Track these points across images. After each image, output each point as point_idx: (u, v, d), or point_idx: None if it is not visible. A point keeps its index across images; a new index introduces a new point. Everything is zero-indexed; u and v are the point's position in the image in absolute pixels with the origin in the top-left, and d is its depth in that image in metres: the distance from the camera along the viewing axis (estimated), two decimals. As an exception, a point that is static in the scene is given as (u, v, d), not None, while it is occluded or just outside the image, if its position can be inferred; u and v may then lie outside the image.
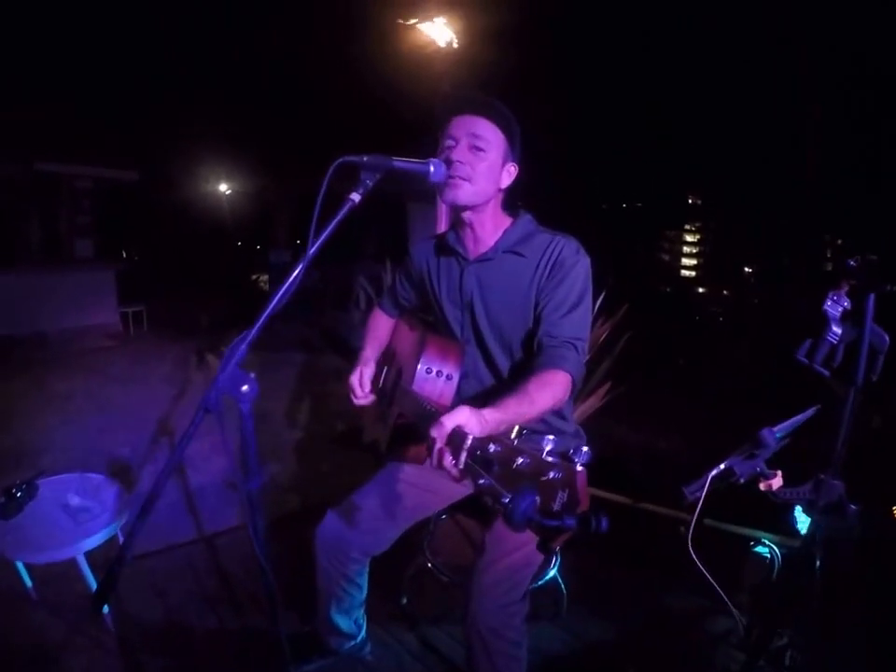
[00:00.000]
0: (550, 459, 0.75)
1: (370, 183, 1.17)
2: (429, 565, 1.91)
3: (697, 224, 56.27)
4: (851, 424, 1.26)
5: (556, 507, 0.72)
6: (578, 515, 0.71)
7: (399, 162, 1.23)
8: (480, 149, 1.42)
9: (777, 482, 1.35)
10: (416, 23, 4.67)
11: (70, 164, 8.98)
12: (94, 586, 2.16)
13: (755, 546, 2.20)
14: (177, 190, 14.42)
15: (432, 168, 1.32)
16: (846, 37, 10.39)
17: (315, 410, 4.82)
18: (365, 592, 1.81)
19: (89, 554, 2.12)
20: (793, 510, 1.95)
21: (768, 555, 2.13)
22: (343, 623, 1.81)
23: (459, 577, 1.76)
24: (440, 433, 0.97)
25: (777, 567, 2.08)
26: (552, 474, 0.74)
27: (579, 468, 0.73)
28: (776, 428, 1.35)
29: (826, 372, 1.25)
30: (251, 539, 1.13)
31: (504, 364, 1.58)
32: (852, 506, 1.31)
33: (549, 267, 1.46)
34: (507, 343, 1.55)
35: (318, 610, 1.81)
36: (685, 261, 58.76)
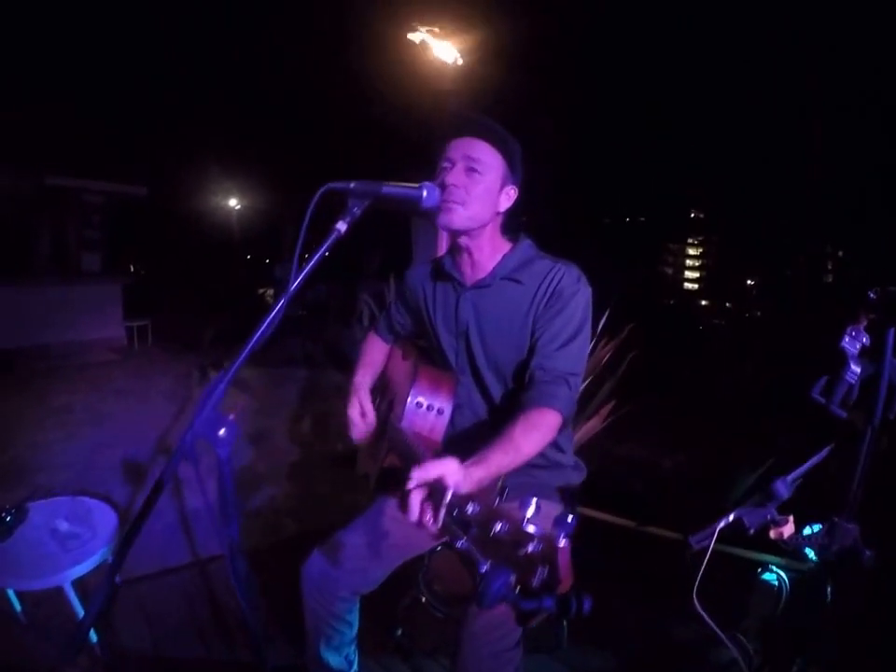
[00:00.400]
0: (530, 530, 0.69)
1: (357, 211, 1.13)
2: (423, 599, 1.86)
3: (700, 238, 56.48)
4: (868, 464, 1.20)
5: (535, 583, 0.66)
6: (557, 596, 0.66)
7: (389, 188, 1.18)
8: (476, 172, 1.38)
9: (788, 528, 1.28)
10: (422, 40, 4.67)
11: (80, 179, 9.04)
12: (82, 613, 2.13)
13: (762, 573, 2.14)
14: (186, 205, 14.55)
15: (425, 193, 1.27)
16: (847, 52, 10.41)
17: (315, 428, 4.78)
18: (356, 628, 1.73)
19: (79, 578, 2.07)
20: (801, 529, 1.90)
21: (776, 583, 2.07)
22: (334, 660, 1.73)
23: (455, 610, 1.71)
24: (420, 476, 0.92)
25: (785, 594, 2.02)
26: (531, 547, 0.68)
27: (561, 543, 0.67)
28: (789, 478, 1.28)
29: (843, 414, 1.19)
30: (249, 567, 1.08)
31: (499, 394, 1.53)
32: (867, 552, 1.24)
33: (547, 295, 1.42)
34: (502, 372, 1.51)
35: (307, 648, 1.73)
36: (688, 274, 58.93)
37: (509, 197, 1.46)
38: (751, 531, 1.27)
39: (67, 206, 9.35)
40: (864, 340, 1.21)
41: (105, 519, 2.33)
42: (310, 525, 3.11)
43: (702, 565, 1.33)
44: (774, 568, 2.06)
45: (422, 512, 0.90)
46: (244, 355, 1.04)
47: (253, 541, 2.89)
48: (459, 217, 1.38)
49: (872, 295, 1.18)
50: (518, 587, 0.68)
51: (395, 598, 2.11)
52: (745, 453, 3.32)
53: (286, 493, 3.60)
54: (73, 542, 2.15)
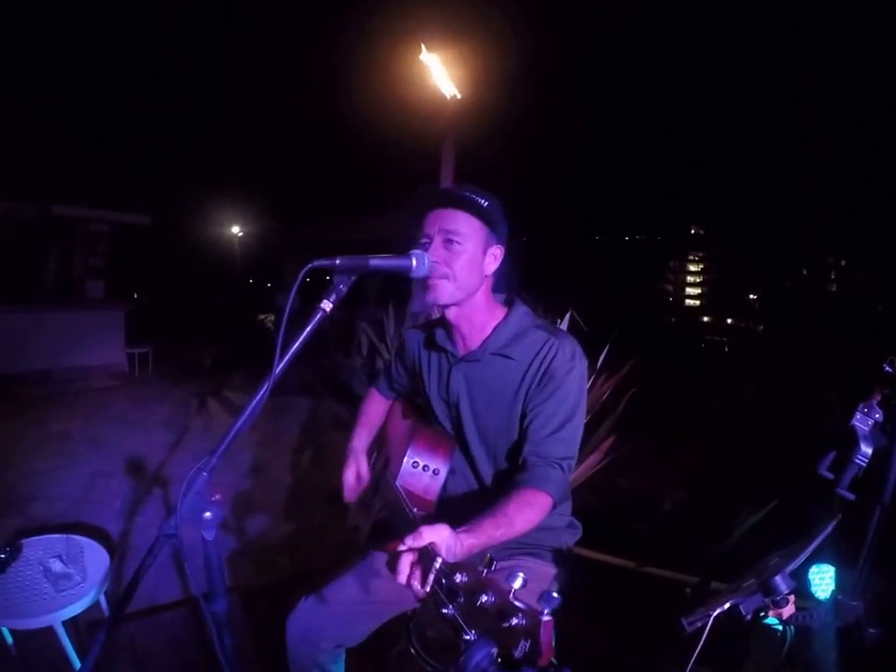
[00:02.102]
0: (516, 603, 0.70)
1: (343, 288, 1.11)
2: (412, 650, 1.86)
3: (700, 254, 56.53)
4: (875, 544, 1.16)
5: (518, 655, 0.68)
6: (538, 668, 0.67)
7: (377, 261, 1.16)
8: (455, 243, 1.35)
9: (788, 609, 1.22)
10: (421, 74, 4.75)
11: (86, 208, 9.15)
12: (71, 651, 2.14)
13: (765, 616, 2.11)
14: (189, 233, 14.70)
15: (414, 262, 1.26)
16: (846, 63, 10.49)
17: (312, 461, 4.78)
18: None
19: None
20: (807, 572, 1.88)
21: (780, 627, 2.04)
22: None
23: (445, 665, 1.70)
24: (413, 543, 0.93)
25: (788, 639, 1.99)
26: (514, 620, 0.69)
27: (545, 617, 0.68)
28: (789, 568, 1.20)
29: (852, 497, 1.15)
30: (239, 607, 1.09)
31: (487, 470, 1.51)
32: (871, 629, 1.18)
33: (540, 374, 1.39)
34: (491, 448, 1.49)
35: None
36: (689, 291, 58.92)
37: (495, 258, 1.43)
38: (748, 618, 1.22)
39: (73, 235, 9.47)
40: (877, 416, 1.15)
41: (97, 560, 2.34)
42: (303, 563, 3.07)
43: (696, 647, 1.25)
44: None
45: (411, 576, 0.91)
46: (229, 438, 1.03)
47: (245, 579, 2.88)
48: (445, 291, 1.37)
49: (887, 368, 1.14)
50: (500, 658, 0.69)
51: (385, 648, 2.10)
52: (748, 487, 3.31)
53: (280, 528, 3.58)
54: (65, 583, 2.17)
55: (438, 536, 0.95)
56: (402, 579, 0.92)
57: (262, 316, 14.62)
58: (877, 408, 1.15)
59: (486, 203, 1.37)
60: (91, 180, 9.33)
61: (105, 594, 2.34)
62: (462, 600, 0.77)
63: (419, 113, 5.04)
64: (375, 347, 5.80)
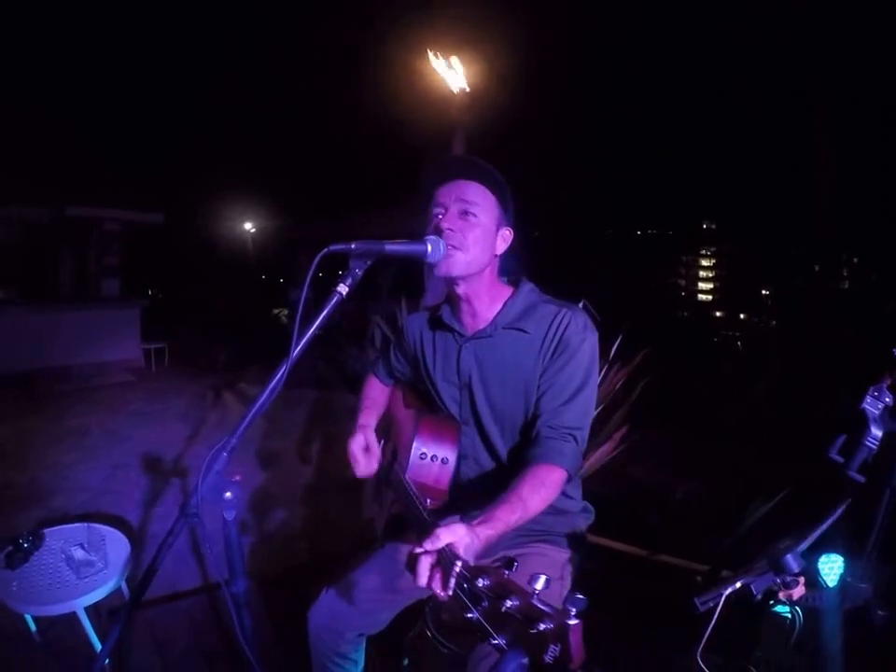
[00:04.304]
0: (542, 607, 0.69)
1: (359, 272, 1.11)
2: (429, 633, 1.88)
3: (712, 249, 56.13)
4: (884, 525, 1.17)
5: (548, 660, 0.66)
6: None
7: (392, 246, 1.15)
8: (471, 214, 1.32)
9: (798, 591, 1.24)
10: (432, 69, 4.76)
11: (99, 208, 9.26)
12: (93, 636, 2.18)
13: (775, 605, 2.11)
14: (202, 230, 14.76)
15: (429, 247, 1.25)
16: (859, 61, 10.39)
17: (327, 451, 4.80)
18: (361, 666, 1.70)
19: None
20: (817, 560, 1.88)
21: (789, 615, 2.04)
22: None
23: (461, 647, 1.71)
24: (431, 546, 0.90)
25: (798, 627, 1.99)
26: (542, 626, 0.67)
27: (572, 621, 0.66)
28: (800, 547, 1.22)
29: (861, 479, 1.15)
30: (257, 593, 1.10)
31: (503, 447, 1.47)
32: (880, 612, 1.20)
33: (554, 344, 1.37)
34: (506, 425, 1.46)
35: None
36: (701, 286, 58.55)
37: (505, 239, 1.40)
38: (759, 597, 1.24)
39: (87, 234, 9.59)
40: (887, 399, 1.15)
41: (118, 547, 2.39)
42: (322, 550, 3.11)
43: (708, 626, 1.27)
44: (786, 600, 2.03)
45: (431, 579, 0.88)
46: (249, 418, 1.04)
47: (265, 566, 2.91)
48: (458, 263, 1.33)
49: None
50: (531, 666, 0.68)
51: (402, 630, 2.14)
52: (759, 478, 3.30)
53: (298, 516, 3.62)
54: (87, 570, 2.22)
55: (455, 535, 0.92)
56: (423, 582, 0.89)
57: (276, 311, 14.70)
58: (887, 392, 1.16)
59: (502, 182, 1.35)
60: (104, 181, 9.43)
61: (126, 581, 2.39)
62: (486, 605, 0.75)
63: (429, 107, 5.05)
64: (389, 340, 5.82)
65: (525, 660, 0.67)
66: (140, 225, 10.11)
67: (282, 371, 1.05)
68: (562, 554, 1.52)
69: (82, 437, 4.99)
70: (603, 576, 2.71)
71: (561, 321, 1.37)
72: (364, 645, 1.67)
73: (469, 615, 0.76)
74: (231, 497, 1.02)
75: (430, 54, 4.63)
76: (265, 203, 14.28)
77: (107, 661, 2.11)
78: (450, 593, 0.82)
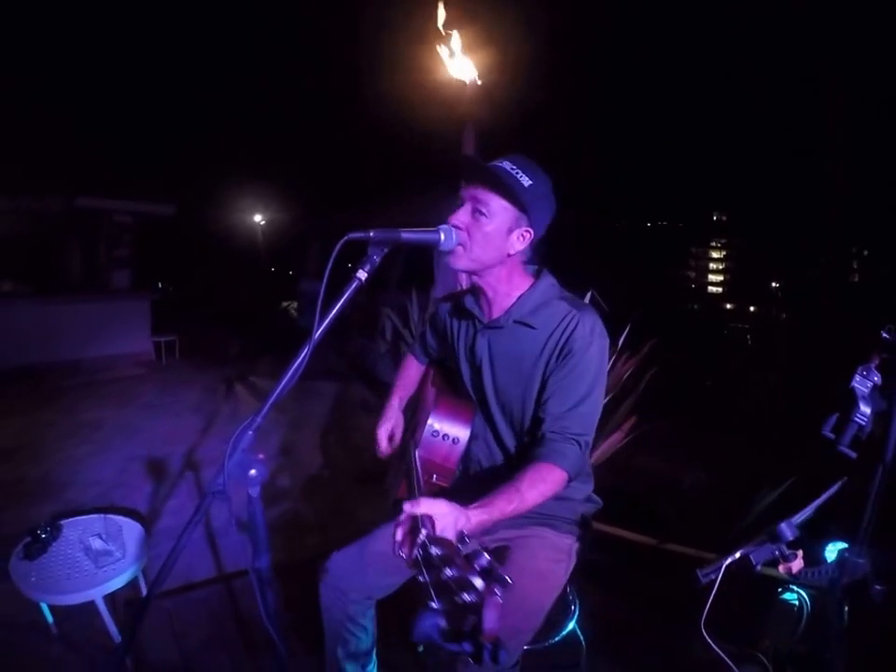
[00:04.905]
0: (474, 580, 0.75)
1: (377, 259, 1.16)
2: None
3: (723, 240, 55.85)
4: (879, 501, 1.21)
5: (466, 628, 0.73)
6: (476, 643, 0.73)
7: (408, 234, 1.21)
8: (483, 215, 1.37)
9: (797, 564, 1.29)
10: (441, 60, 4.73)
11: (109, 200, 9.27)
12: (111, 625, 2.21)
13: (783, 592, 2.12)
14: (213, 222, 14.77)
15: (442, 236, 1.31)
16: (871, 49, 10.28)
17: (340, 443, 4.83)
18: (372, 637, 1.76)
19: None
20: (824, 549, 1.88)
21: (796, 602, 2.05)
22: (350, 668, 1.75)
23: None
24: (409, 510, 1.02)
25: (805, 614, 2.00)
26: (465, 597, 0.74)
27: (493, 598, 0.73)
28: (795, 518, 1.30)
29: (852, 454, 1.19)
30: (275, 583, 1.13)
31: (507, 436, 1.56)
32: (877, 586, 1.24)
33: (559, 346, 1.42)
34: (509, 414, 1.54)
35: (327, 657, 1.77)
36: (711, 277, 58.32)
37: (523, 239, 1.43)
38: (758, 568, 1.29)
39: (97, 226, 9.58)
40: (875, 379, 1.20)
41: (135, 537, 2.42)
42: (334, 541, 3.13)
43: (709, 597, 1.35)
44: (794, 588, 2.05)
45: (402, 542, 1.00)
46: (272, 399, 1.08)
47: (277, 557, 2.92)
48: (461, 259, 1.40)
49: (885, 335, 1.19)
50: (447, 629, 0.75)
51: (415, 611, 2.15)
52: (767, 468, 3.31)
53: (310, 508, 3.64)
54: (105, 559, 2.24)
55: (434, 509, 1.03)
56: (397, 539, 1.01)
57: (286, 304, 14.72)
58: (876, 371, 1.21)
59: (529, 184, 1.37)
60: (114, 172, 9.46)
61: (143, 571, 2.41)
62: (435, 572, 0.82)
63: (440, 98, 5.03)
64: (399, 332, 5.83)
65: (442, 623, 0.75)
66: (151, 217, 10.10)
67: (305, 351, 1.11)
68: (563, 539, 1.59)
69: (94, 430, 5.01)
70: (611, 564, 2.73)
71: (569, 323, 1.42)
72: (374, 612, 1.73)
73: (421, 578, 0.84)
74: (256, 474, 1.06)
75: (439, 48, 4.61)
76: (275, 196, 14.30)
77: (127, 650, 2.16)
78: (409, 557, 0.94)
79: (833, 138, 10.50)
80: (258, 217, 16.59)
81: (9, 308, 7.71)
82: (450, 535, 1.00)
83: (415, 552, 0.90)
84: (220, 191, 12.86)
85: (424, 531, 0.91)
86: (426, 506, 1.03)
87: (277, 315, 13.92)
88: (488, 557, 0.79)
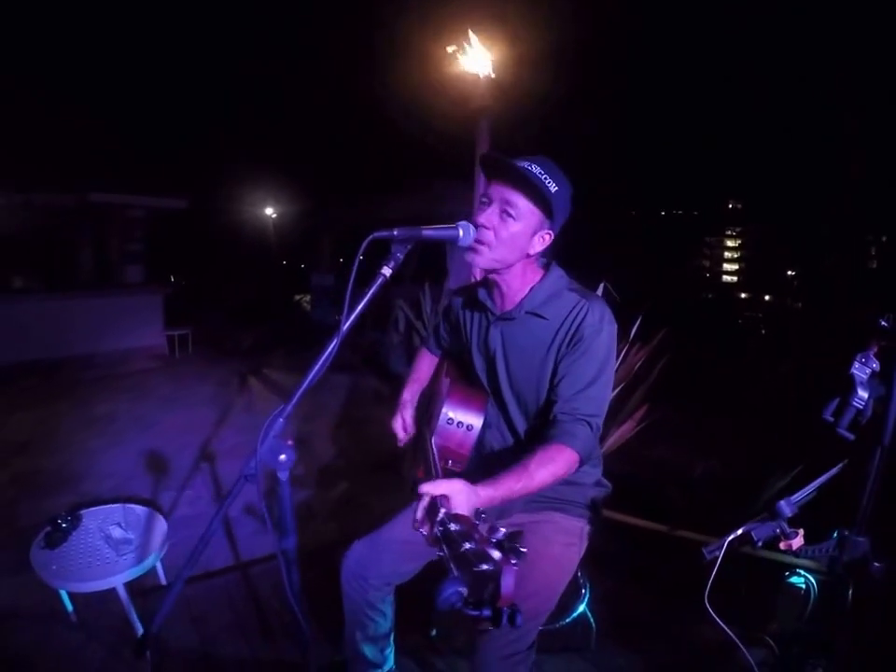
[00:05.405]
0: (491, 552, 0.81)
1: (400, 256, 1.21)
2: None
3: (738, 229, 55.34)
4: (877, 482, 1.25)
5: (485, 596, 0.79)
6: (494, 608, 0.79)
7: (429, 231, 1.26)
8: (510, 216, 1.40)
9: (797, 541, 1.32)
10: (454, 52, 4.73)
11: (122, 194, 9.34)
12: (132, 612, 2.26)
13: (790, 576, 2.13)
14: (225, 216, 14.82)
15: (461, 232, 1.34)
16: (887, 34, 10.15)
17: (353, 434, 4.85)
18: (390, 621, 1.82)
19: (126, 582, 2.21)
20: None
21: (803, 585, 2.06)
22: (369, 651, 1.82)
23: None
24: (426, 490, 1.08)
25: (812, 598, 2.01)
26: (484, 567, 0.80)
27: (509, 568, 0.79)
28: (794, 497, 1.33)
29: (850, 437, 1.23)
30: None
31: (520, 423, 1.61)
32: (876, 564, 1.27)
33: (570, 334, 1.47)
34: (523, 402, 1.58)
35: (346, 640, 1.83)
36: (726, 266, 57.85)
37: (543, 241, 1.48)
38: (759, 544, 1.32)
39: (110, 221, 9.67)
40: (874, 365, 1.24)
41: (154, 525, 2.46)
42: (349, 530, 3.17)
43: (713, 571, 1.39)
44: (802, 572, 2.06)
45: (422, 521, 1.05)
46: (303, 388, 1.13)
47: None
48: (485, 258, 1.44)
49: (883, 323, 1.22)
50: (468, 597, 0.80)
51: (430, 600, 2.19)
52: (779, 458, 3.31)
53: (325, 498, 3.68)
54: (126, 547, 2.29)
55: (450, 488, 1.09)
56: (415, 523, 1.07)
57: (298, 297, 14.78)
58: (874, 358, 1.25)
59: (556, 190, 1.40)
60: (127, 167, 9.54)
61: (161, 560, 2.45)
62: (453, 546, 0.88)
63: (453, 92, 5.02)
64: (412, 325, 5.85)
65: (464, 590, 0.80)
66: (163, 211, 10.17)
67: (334, 341, 1.16)
68: (574, 523, 1.64)
69: (109, 423, 5.06)
70: (623, 551, 2.76)
71: (579, 312, 1.47)
72: (392, 598, 1.79)
73: (440, 553, 0.90)
74: (286, 458, 1.10)
75: (450, 48, 4.61)
76: (286, 189, 14.33)
77: (146, 635, 2.20)
78: (429, 535, 0.98)
79: (848, 126, 10.39)
80: (269, 211, 16.62)
81: (23, 303, 7.83)
82: (464, 511, 1.06)
83: (435, 529, 0.95)
84: (232, 185, 12.93)
85: (443, 510, 0.97)
86: (442, 487, 1.08)
87: (290, 309, 13.98)
88: (503, 531, 0.84)
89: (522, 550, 0.82)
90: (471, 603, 0.80)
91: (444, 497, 1.05)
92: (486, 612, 0.79)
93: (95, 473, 3.95)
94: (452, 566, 0.86)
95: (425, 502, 1.07)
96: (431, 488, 1.08)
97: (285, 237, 17.29)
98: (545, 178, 1.39)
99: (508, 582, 0.78)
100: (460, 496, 1.10)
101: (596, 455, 1.68)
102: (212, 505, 3.53)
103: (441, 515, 0.96)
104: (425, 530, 1.03)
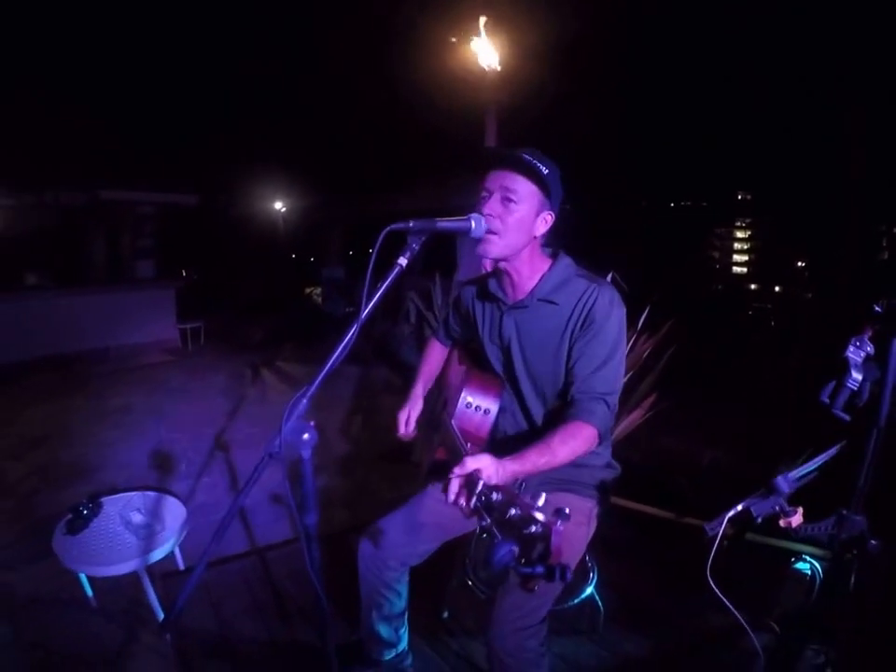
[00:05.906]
0: (537, 515, 0.86)
1: (416, 247, 1.26)
2: (469, 582, 1.97)
3: (748, 220, 54.83)
4: (873, 462, 1.28)
5: (534, 556, 0.85)
6: (547, 565, 0.84)
7: (443, 223, 1.30)
8: (512, 202, 1.45)
9: (796, 519, 1.34)
10: (461, 45, 4.74)
11: (132, 191, 9.45)
12: (152, 595, 2.32)
13: (795, 562, 2.15)
14: (235, 210, 14.84)
15: (473, 224, 1.39)
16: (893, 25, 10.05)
17: (365, 423, 4.91)
18: (405, 601, 1.88)
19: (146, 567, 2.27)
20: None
21: (809, 572, 2.08)
22: (384, 631, 1.89)
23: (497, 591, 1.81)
24: (460, 471, 1.12)
25: (817, 583, 2.04)
26: (533, 528, 0.85)
27: (557, 527, 0.84)
28: (792, 474, 1.36)
29: (846, 417, 1.26)
30: (302, 556, 1.20)
31: (536, 407, 1.65)
32: (873, 541, 1.30)
33: (582, 318, 1.51)
34: (539, 387, 1.63)
35: (362, 619, 1.90)
36: (736, 258, 57.36)
37: (545, 222, 1.52)
38: (759, 520, 1.35)
39: (121, 218, 9.78)
40: (868, 349, 1.27)
41: (174, 511, 2.53)
42: (362, 517, 3.21)
43: (713, 547, 1.43)
44: (807, 558, 2.08)
45: (458, 496, 1.09)
46: (325, 371, 1.17)
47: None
48: (495, 246, 1.48)
49: (877, 308, 1.26)
50: (520, 557, 0.86)
51: (443, 582, 2.26)
52: (786, 447, 3.33)
53: (338, 486, 3.73)
54: (146, 532, 2.35)
55: (480, 463, 1.14)
56: (452, 498, 1.10)
57: (309, 290, 14.83)
58: (868, 342, 1.28)
59: (547, 172, 1.46)
60: (137, 165, 9.58)
61: (179, 546, 2.52)
62: (496, 514, 0.94)
63: (461, 84, 5.04)
64: (423, 316, 5.88)
65: (516, 548, 0.86)
66: (174, 207, 10.26)
67: (354, 328, 1.19)
68: (585, 503, 1.69)
69: (125, 415, 5.14)
70: (629, 537, 2.80)
71: (589, 297, 1.52)
72: (407, 578, 1.86)
73: (483, 522, 0.97)
74: (309, 438, 1.14)
75: (455, 39, 4.63)
76: (295, 183, 14.33)
77: (167, 618, 2.26)
78: (471, 507, 1.02)
79: (855, 111, 10.31)
80: (278, 205, 16.66)
81: (37, 300, 7.92)
82: (496, 482, 1.11)
83: (475, 501, 1.00)
84: (242, 179, 12.93)
85: (481, 482, 1.02)
86: (472, 462, 1.13)
87: (301, 301, 14.03)
88: (545, 495, 0.90)
89: (566, 512, 0.87)
90: (525, 561, 0.85)
91: (478, 470, 1.11)
92: (539, 569, 0.84)
93: (112, 464, 4.02)
94: (497, 532, 0.92)
95: (459, 480, 1.11)
96: (463, 467, 1.12)
97: (294, 231, 17.31)
98: (535, 161, 1.44)
99: (557, 543, 0.84)
100: (490, 468, 1.15)
101: (608, 436, 1.72)
102: (228, 493, 3.60)
103: (479, 488, 1.01)
104: (463, 503, 1.07)
